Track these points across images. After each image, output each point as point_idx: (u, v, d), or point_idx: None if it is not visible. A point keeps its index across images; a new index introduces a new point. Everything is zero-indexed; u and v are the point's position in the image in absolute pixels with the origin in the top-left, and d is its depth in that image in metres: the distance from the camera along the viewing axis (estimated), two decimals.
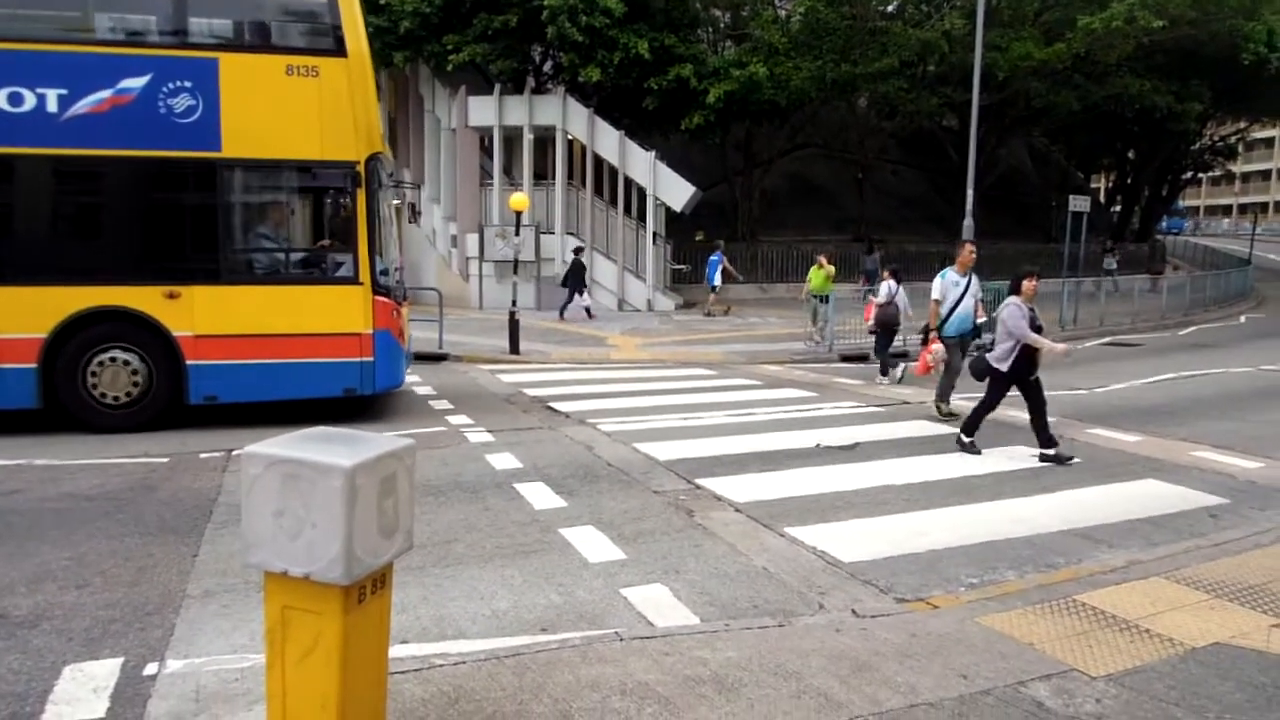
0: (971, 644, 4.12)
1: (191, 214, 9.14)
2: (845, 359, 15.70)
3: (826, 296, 16.86)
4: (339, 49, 9.07)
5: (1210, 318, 24.47)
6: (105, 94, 8.58)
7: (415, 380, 12.00)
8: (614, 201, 24.61)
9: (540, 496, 6.71)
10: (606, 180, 24.71)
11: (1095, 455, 8.31)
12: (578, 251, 22.43)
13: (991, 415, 10.18)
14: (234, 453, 7.65)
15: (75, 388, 8.75)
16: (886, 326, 13.38)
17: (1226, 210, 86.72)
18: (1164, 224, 53.28)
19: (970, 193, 19.20)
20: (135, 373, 8.91)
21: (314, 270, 9.63)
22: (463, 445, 8.46)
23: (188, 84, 8.73)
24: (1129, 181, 44.17)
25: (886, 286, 13.54)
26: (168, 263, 8.97)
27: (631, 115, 25.96)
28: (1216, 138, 43.68)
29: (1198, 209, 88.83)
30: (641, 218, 24.23)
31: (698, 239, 29.06)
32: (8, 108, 8.41)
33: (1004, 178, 35.22)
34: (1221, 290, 28.23)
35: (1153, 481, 7.44)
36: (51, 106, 8.49)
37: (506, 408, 10.49)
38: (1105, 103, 30.39)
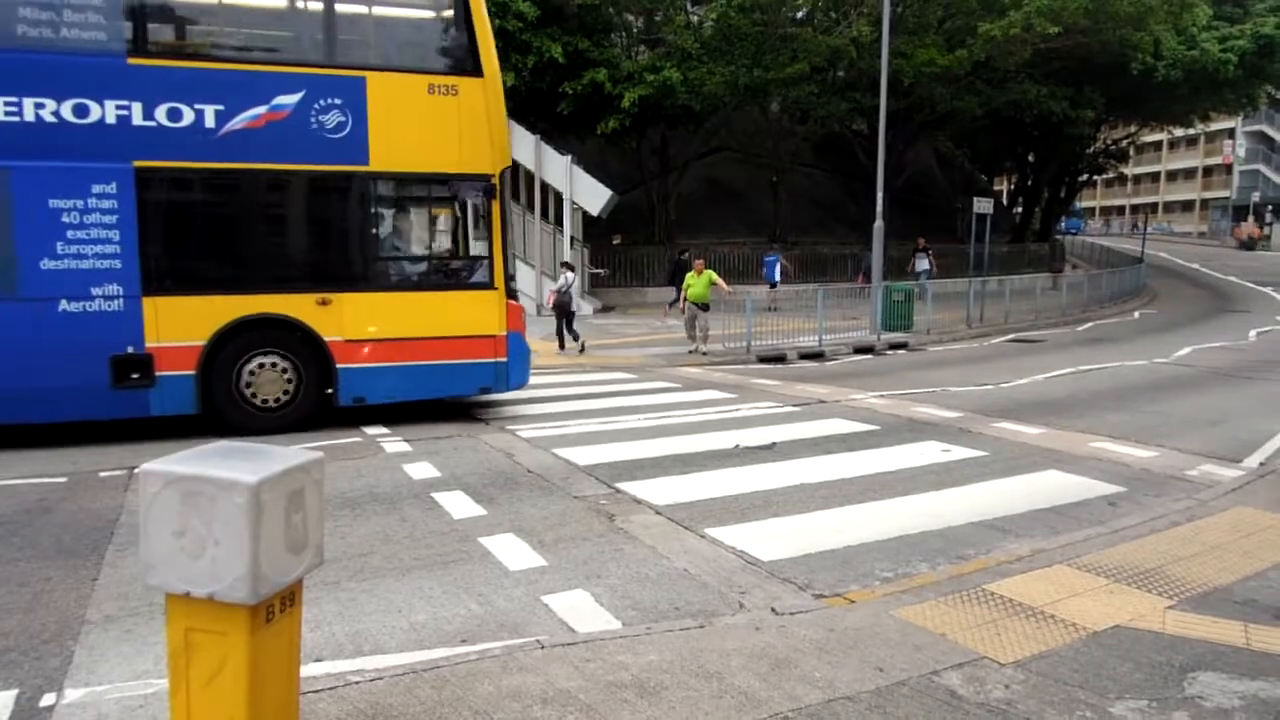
0: (887, 637, 4.21)
1: (341, 224, 9.56)
2: (763, 360, 15.91)
3: (707, 304, 16.23)
4: (476, 69, 9.54)
5: (1107, 314, 25.56)
6: (261, 110, 8.88)
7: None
8: (531, 206, 24.47)
9: (459, 505, 6.63)
10: (523, 184, 24.55)
11: (1001, 449, 8.59)
12: (682, 253, 23.66)
13: (904, 412, 10.48)
14: (135, 471, 7.36)
15: (231, 392, 9.03)
16: (562, 309, 16.60)
17: (1120, 211, 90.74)
18: (1063, 224, 55.40)
19: (880, 195, 19.66)
20: (288, 376, 9.22)
21: (453, 276, 10.08)
22: (379, 455, 8.30)
23: (338, 101, 9.10)
24: (1029, 183, 45.79)
25: (564, 278, 16.94)
26: (319, 271, 9.47)
27: (547, 119, 25.87)
28: (1109, 141, 45.62)
29: (1093, 210, 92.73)
30: (559, 222, 24.15)
31: (615, 242, 29.11)
32: (167, 123, 8.62)
33: (912, 180, 36.18)
34: (1117, 287, 29.52)
35: (1055, 472, 7.72)
36: (209, 122, 8.74)
37: (423, 416, 10.31)
38: (1006, 108, 31.47)
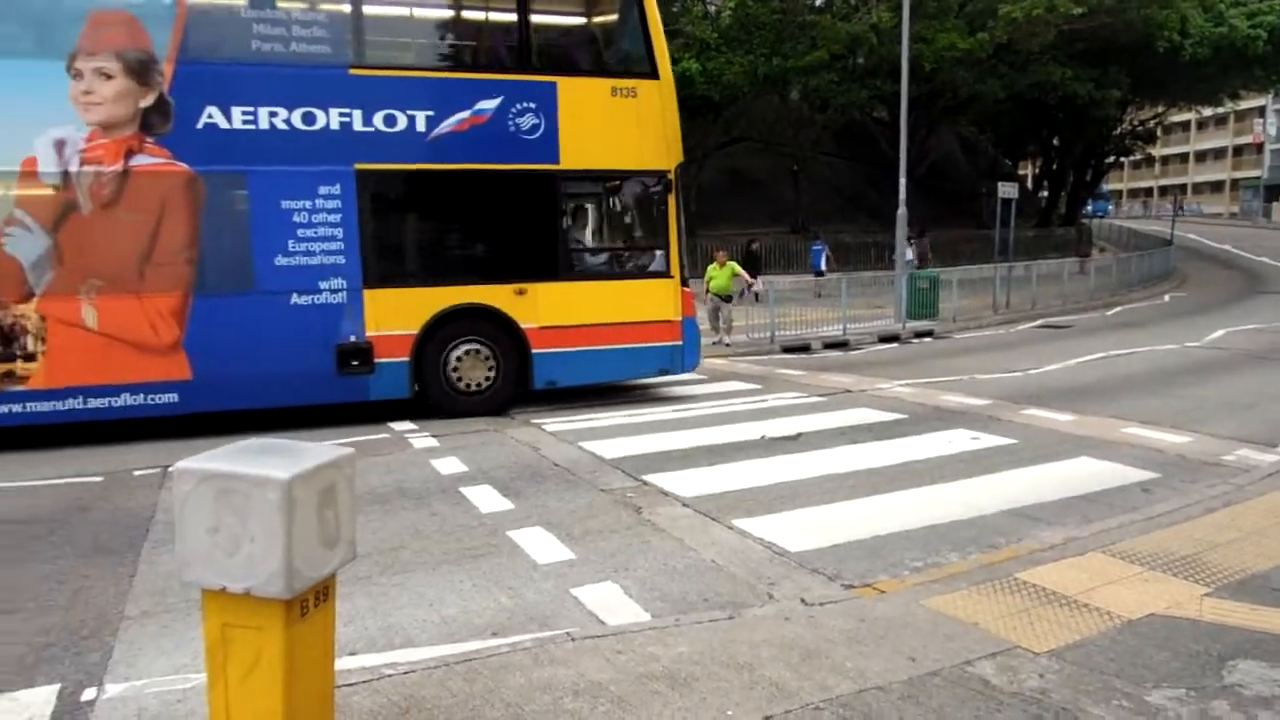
0: (918, 626, 4.19)
1: (535, 219, 10.17)
2: (787, 350, 15.85)
3: (730, 296, 16.19)
4: (653, 72, 10.32)
5: (1136, 298, 25.23)
6: (464, 115, 9.64)
7: None
8: None
9: (487, 499, 6.66)
10: None
11: (1031, 435, 8.51)
12: (751, 243, 24.79)
13: (931, 401, 10.41)
14: (169, 469, 7.46)
15: (439, 377, 9.82)
16: None
17: (1148, 193, 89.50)
18: (1089, 207, 54.74)
19: (903, 182, 19.50)
20: (489, 361, 9.96)
21: (635, 266, 10.86)
22: (407, 451, 8.35)
23: (532, 105, 9.85)
24: (1054, 167, 45.30)
25: None
26: (516, 263, 10.11)
27: None
28: (1136, 122, 45.01)
29: (1120, 192, 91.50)
30: None
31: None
32: (384, 128, 9.39)
33: (935, 167, 35.87)
34: (1146, 271, 29.13)
35: (1087, 459, 7.64)
36: (420, 126, 9.51)
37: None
38: (1029, 91, 31.14)
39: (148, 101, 8.69)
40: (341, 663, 3.69)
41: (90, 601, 4.85)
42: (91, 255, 8.65)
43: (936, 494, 6.66)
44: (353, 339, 9.42)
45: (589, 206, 10.90)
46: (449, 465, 7.71)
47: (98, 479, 7.50)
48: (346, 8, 9.45)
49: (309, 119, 9.15)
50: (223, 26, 9.11)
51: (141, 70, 8.66)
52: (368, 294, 9.41)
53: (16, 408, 8.53)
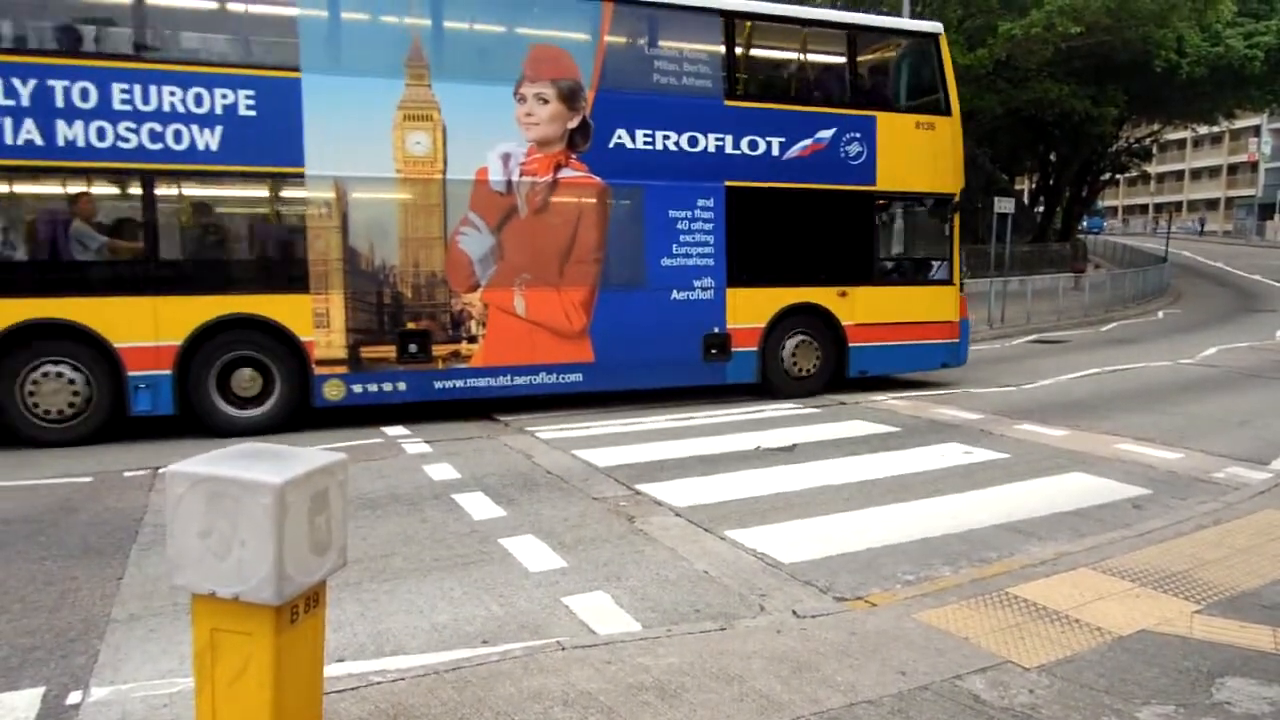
0: (909, 640, 4.18)
1: (856, 231, 11.86)
2: None
3: None
4: (947, 109, 12.13)
5: (1130, 314, 25.31)
6: (808, 142, 11.36)
7: None
8: None
9: (479, 507, 6.64)
10: None
11: (1023, 450, 8.52)
12: None
13: (925, 414, 10.42)
14: (159, 471, 7.43)
15: (778, 363, 11.52)
16: None
17: (1143, 210, 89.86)
18: (1085, 223, 54.90)
19: None
20: (816, 351, 11.65)
21: (927, 274, 12.59)
22: (400, 457, 8.33)
23: (858, 135, 11.61)
24: (1051, 183, 45.41)
25: None
26: (839, 269, 11.78)
27: None
28: (1132, 140, 45.17)
29: (1115, 209, 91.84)
30: None
31: None
32: (748, 152, 11.07)
33: None
34: (1140, 287, 29.24)
35: (1079, 474, 7.65)
36: (775, 151, 11.22)
37: (443, 417, 10.34)
38: (1027, 106, 31.20)
39: (574, 123, 10.27)
40: (330, 669, 3.67)
41: (77, 604, 4.82)
42: (524, 253, 10.13)
43: (929, 507, 6.66)
44: (716, 330, 11.10)
45: (895, 222, 12.59)
46: (441, 471, 7.69)
47: (87, 479, 7.47)
48: (723, 49, 11.00)
49: (693, 141, 10.80)
50: (632, 61, 10.77)
51: (571, 97, 10.25)
52: (729, 292, 11.08)
53: (460, 383, 10.03)
